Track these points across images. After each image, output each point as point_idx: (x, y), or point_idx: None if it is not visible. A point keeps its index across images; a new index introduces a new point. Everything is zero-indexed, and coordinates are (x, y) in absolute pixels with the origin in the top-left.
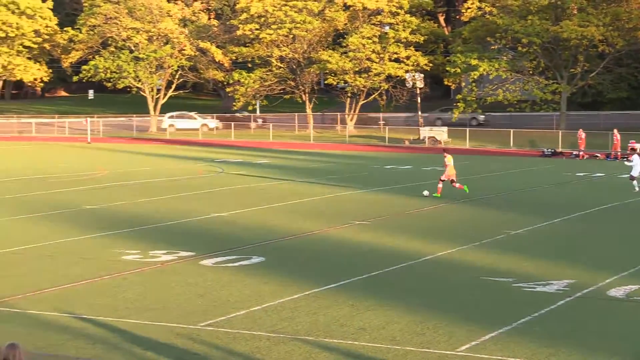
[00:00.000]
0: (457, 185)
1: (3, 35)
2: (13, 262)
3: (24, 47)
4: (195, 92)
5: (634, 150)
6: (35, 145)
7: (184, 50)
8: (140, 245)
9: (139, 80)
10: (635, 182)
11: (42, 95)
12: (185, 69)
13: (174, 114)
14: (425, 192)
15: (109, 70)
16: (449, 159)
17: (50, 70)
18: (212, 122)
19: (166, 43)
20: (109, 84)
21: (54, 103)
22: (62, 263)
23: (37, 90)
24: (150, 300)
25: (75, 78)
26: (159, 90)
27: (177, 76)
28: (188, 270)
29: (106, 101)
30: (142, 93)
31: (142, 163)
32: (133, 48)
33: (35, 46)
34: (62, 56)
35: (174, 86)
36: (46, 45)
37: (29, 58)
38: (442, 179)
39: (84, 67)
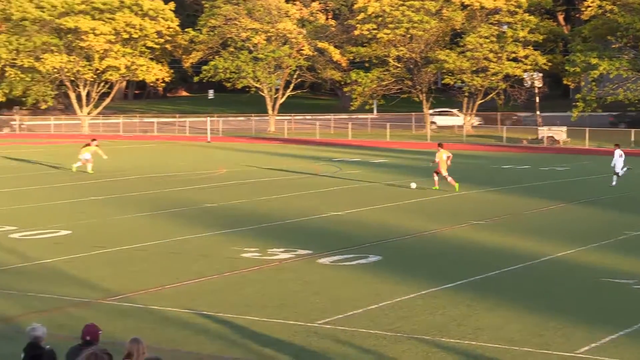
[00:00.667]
0: (449, 179)
1: (127, 36)
2: (137, 259)
3: (147, 48)
4: (313, 92)
5: (617, 145)
6: (157, 144)
7: (302, 50)
8: (259, 243)
9: (258, 80)
10: (617, 176)
11: (164, 95)
12: (303, 68)
13: (436, 110)
14: (413, 185)
15: (228, 71)
16: (440, 154)
17: (172, 71)
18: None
19: (284, 43)
20: (229, 84)
21: (175, 103)
22: (184, 260)
23: (159, 90)
24: (268, 298)
25: (195, 78)
26: (277, 90)
27: (295, 76)
28: (306, 268)
29: (225, 101)
30: (260, 93)
31: (261, 162)
32: (252, 48)
33: (158, 47)
34: (183, 57)
35: (292, 86)
36: (168, 46)
37: (151, 59)
38: (436, 172)
39: (204, 67)
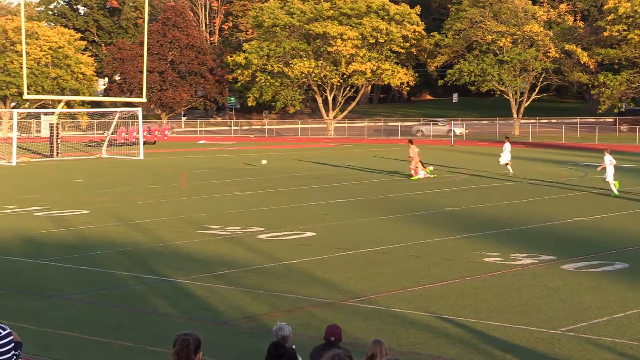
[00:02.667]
0: (418, 173)
1: (373, 41)
2: (379, 261)
3: (392, 52)
4: (559, 95)
5: (507, 138)
6: (400, 148)
7: (548, 52)
8: (500, 247)
9: (503, 84)
10: (509, 167)
11: (408, 98)
12: (549, 71)
13: None
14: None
15: (473, 74)
16: (412, 150)
17: (417, 75)
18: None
19: (530, 46)
20: (473, 87)
21: (418, 106)
22: (425, 263)
23: (404, 94)
24: (510, 303)
25: (440, 82)
26: (522, 94)
27: (540, 79)
28: (549, 274)
29: (469, 104)
30: (505, 96)
31: (503, 166)
32: (497, 51)
33: (403, 51)
34: (428, 60)
35: (537, 89)
36: (413, 50)
37: (396, 63)
38: (412, 167)
39: (449, 71)
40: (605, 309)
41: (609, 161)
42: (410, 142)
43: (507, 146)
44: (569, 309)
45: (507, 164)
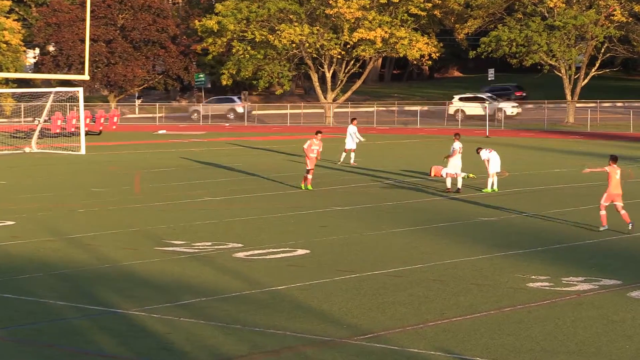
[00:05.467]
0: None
1: (385, 1)
2: (391, 287)
3: (410, 15)
4: (627, 71)
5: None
6: (420, 140)
7: (612, 15)
8: (550, 269)
9: (553, 56)
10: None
11: (431, 75)
12: (614, 40)
13: None
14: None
15: (514, 43)
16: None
17: (441, 45)
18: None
19: (589, 7)
20: (514, 61)
21: (445, 86)
22: (451, 289)
23: (425, 70)
24: (562, 341)
25: (471, 54)
26: (578, 69)
27: (602, 50)
28: (612, 303)
29: (509, 83)
30: (556, 72)
31: (557, 163)
32: (547, 14)
33: (424, 14)
34: (457, 26)
35: (598, 63)
36: (437, 12)
37: (415, 29)
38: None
39: (483, 39)
40: None
41: (458, 148)
42: (457, 135)
43: (352, 129)
44: (638, 349)
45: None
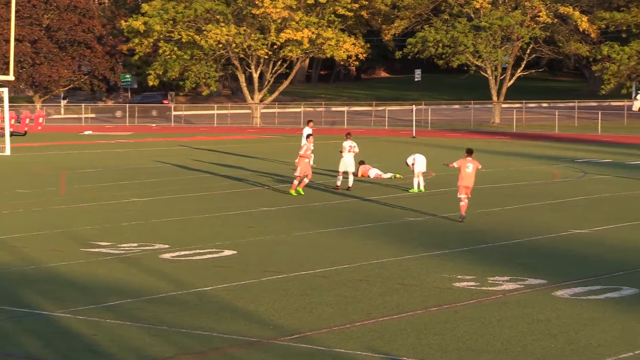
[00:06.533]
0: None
1: (312, 1)
2: (318, 287)
3: (337, 16)
4: (552, 72)
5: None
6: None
7: (538, 17)
8: (476, 269)
9: (479, 57)
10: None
11: (357, 76)
12: (540, 41)
13: None
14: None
15: (441, 44)
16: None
17: (368, 45)
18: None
19: (515, 8)
20: (441, 62)
21: (371, 86)
22: (378, 289)
23: (352, 70)
24: (488, 340)
25: (398, 54)
26: (504, 70)
27: (528, 51)
28: (537, 302)
29: (437, 84)
30: (482, 73)
31: (482, 164)
32: (473, 15)
33: (350, 14)
34: (383, 27)
35: (523, 64)
36: (363, 13)
37: (342, 30)
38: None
39: (410, 40)
40: (608, 347)
41: (348, 147)
42: (348, 135)
43: (307, 131)
44: (563, 348)
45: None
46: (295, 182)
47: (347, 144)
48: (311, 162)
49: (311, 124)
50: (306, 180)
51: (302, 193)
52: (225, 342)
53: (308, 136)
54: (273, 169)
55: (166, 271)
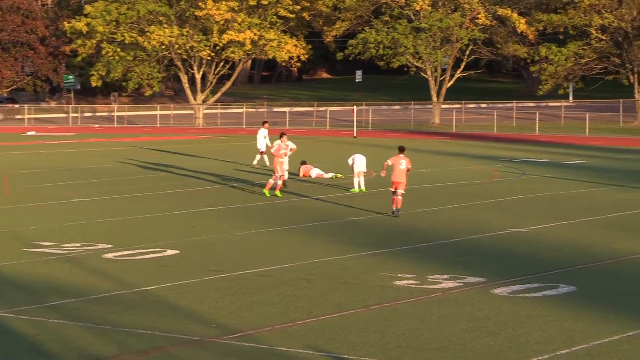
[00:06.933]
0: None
1: (254, 3)
2: (260, 287)
3: (279, 17)
4: (491, 73)
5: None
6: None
7: (477, 18)
8: (416, 267)
9: (419, 58)
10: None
11: (299, 77)
12: (479, 42)
13: None
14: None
15: (381, 46)
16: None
17: (310, 47)
18: None
19: (455, 10)
20: (382, 63)
21: (313, 87)
22: (319, 288)
23: (294, 71)
24: (427, 338)
25: (339, 55)
26: (444, 71)
27: (467, 52)
28: (477, 300)
29: (378, 85)
30: (422, 74)
31: (422, 163)
32: (413, 17)
33: (292, 16)
34: (325, 28)
35: (463, 65)
36: (305, 14)
37: (283, 31)
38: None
39: (351, 41)
40: (546, 344)
41: (262, 136)
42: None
43: (263, 132)
44: (501, 345)
45: (262, 154)
46: (271, 181)
47: (276, 143)
48: (268, 163)
49: (266, 124)
50: (280, 183)
51: (280, 195)
52: (168, 341)
53: (281, 135)
54: (216, 169)
55: (109, 271)
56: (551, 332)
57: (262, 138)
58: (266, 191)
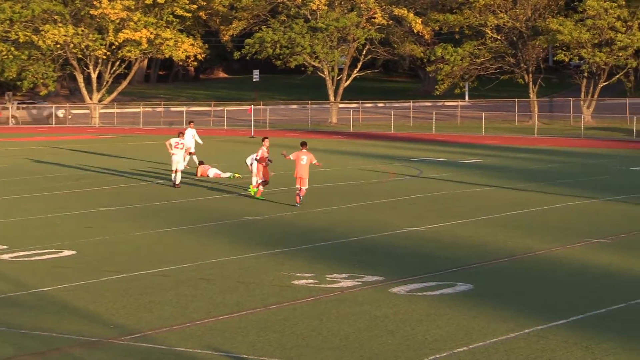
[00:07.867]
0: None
1: (150, 1)
2: (158, 287)
3: (175, 16)
4: (388, 73)
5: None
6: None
7: (373, 18)
8: (314, 266)
9: (316, 58)
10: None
11: (196, 77)
12: (375, 42)
13: None
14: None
15: (278, 45)
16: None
17: (206, 46)
18: None
19: (351, 9)
20: (279, 62)
21: (210, 87)
22: (217, 288)
23: (190, 71)
24: (325, 337)
25: (236, 55)
26: (341, 70)
27: (364, 52)
28: (375, 299)
29: (275, 84)
30: (319, 74)
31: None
32: (310, 16)
33: (189, 15)
34: (222, 28)
35: (360, 65)
36: (202, 13)
37: (180, 30)
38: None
39: (248, 40)
40: (444, 342)
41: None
42: (180, 134)
43: (191, 132)
44: (400, 343)
45: (191, 154)
46: (257, 180)
47: (173, 141)
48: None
49: (192, 124)
50: (261, 189)
51: (262, 198)
52: (65, 342)
53: (263, 139)
54: (114, 167)
55: (5, 272)
56: (449, 330)
57: (191, 137)
58: (253, 188)
